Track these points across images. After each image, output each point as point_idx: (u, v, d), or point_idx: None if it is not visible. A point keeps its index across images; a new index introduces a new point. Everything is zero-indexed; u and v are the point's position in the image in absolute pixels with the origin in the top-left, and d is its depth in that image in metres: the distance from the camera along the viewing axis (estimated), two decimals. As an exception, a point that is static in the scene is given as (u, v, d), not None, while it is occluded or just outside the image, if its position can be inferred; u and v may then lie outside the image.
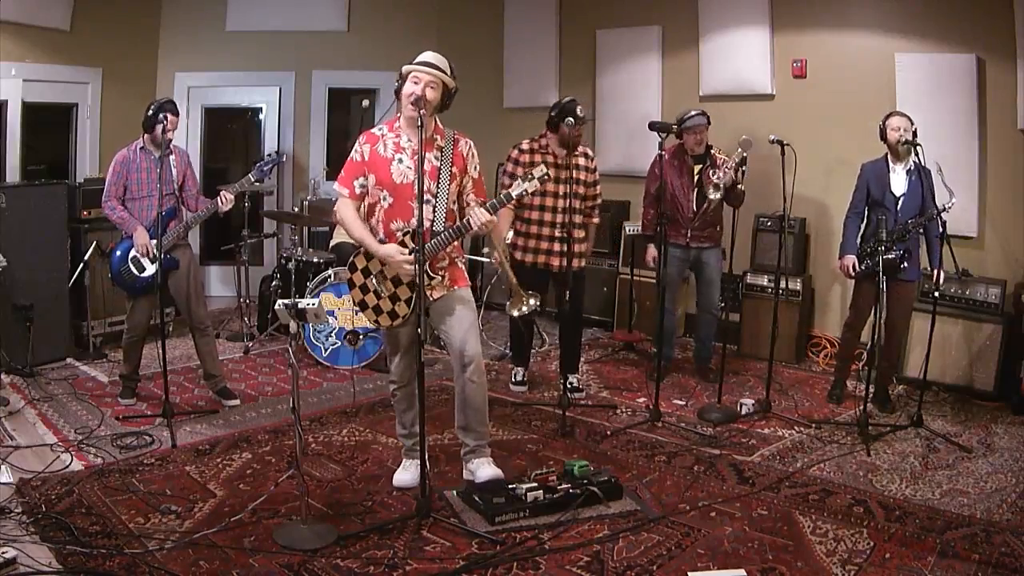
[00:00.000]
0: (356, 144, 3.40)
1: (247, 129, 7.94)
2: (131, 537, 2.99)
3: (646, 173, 5.26)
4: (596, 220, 4.96)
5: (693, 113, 4.99)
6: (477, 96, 7.45)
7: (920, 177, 4.47)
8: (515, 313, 4.39)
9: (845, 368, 4.97)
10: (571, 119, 4.40)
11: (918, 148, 4.27)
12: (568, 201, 4.47)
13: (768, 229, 5.79)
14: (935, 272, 4.46)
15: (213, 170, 7.57)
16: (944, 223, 4.24)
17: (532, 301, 4.33)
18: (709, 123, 5.02)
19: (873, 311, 4.35)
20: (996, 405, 4.81)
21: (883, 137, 4.54)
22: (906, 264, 4.41)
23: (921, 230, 4.48)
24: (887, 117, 4.55)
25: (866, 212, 4.62)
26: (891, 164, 4.54)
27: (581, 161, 4.74)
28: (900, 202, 4.50)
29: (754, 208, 5.78)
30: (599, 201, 4.92)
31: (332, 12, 7.63)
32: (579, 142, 4.70)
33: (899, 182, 4.52)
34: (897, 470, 3.82)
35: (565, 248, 4.57)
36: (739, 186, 4.77)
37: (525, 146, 4.75)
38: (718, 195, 4.63)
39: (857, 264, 4.56)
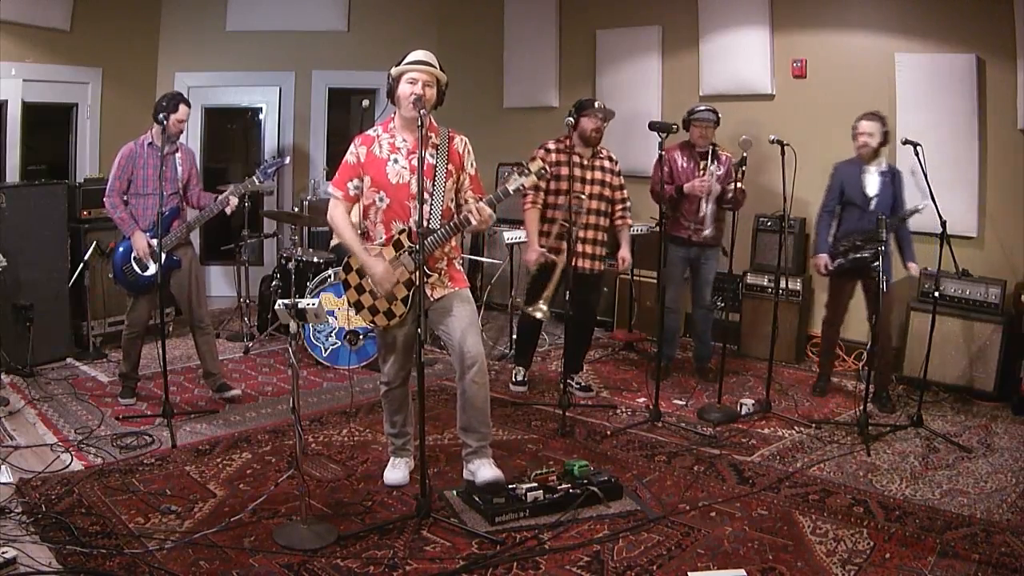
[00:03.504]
0: (351, 146, 3.41)
1: (247, 129, 7.95)
2: (131, 537, 2.98)
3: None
4: (630, 222, 4.92)
5: (703, 108, 5.05)
6: (477, 96, 7.46)
7: (893, 179, 4.59)
8: (538, 313, 4.34)
9: (828, 363, 5.07)
10: (590, 117, 4.55)
11: (918, 148, 4.28)
12: (595, 203, 4.62)
13: (768, 229, 5.80)
14: (910, 265, 4.64)
15: (213, 170, 7.57)
16: (944, 222, 4.26)
17: (544, 309, 4.32)
18: (718, 123, 5.03)
19: (872, 313, 4.47)
20: (996, 405, 4.81)
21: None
22: (878, 263, 4.47)
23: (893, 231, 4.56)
24: (858, 119, 4.63)
25: (839, 211, 4.74)
26: (863, 165, 4.63)
27: (606, 164, 4.75)
28: (873, 203, 4.59)
29: (754, 208, 5.79)
30: (628, 204, 4.89)
31: (332, 12, 7.64)
32: (599, 139, 4.70)
33: (872, 183, 4.62)
34: (897, 470, 3.82)
35: (592, 250, 4.69)
36: (738, 184, 4.78)
37: (551, 146, 4.68)
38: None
39: (830, 262, 4.68)
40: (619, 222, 4.85)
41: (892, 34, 5.45)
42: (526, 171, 3.25)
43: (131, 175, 4.39)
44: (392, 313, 3.37)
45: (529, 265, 4.59)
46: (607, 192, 4.74)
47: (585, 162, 4.66)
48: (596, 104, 4.65)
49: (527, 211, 4.62)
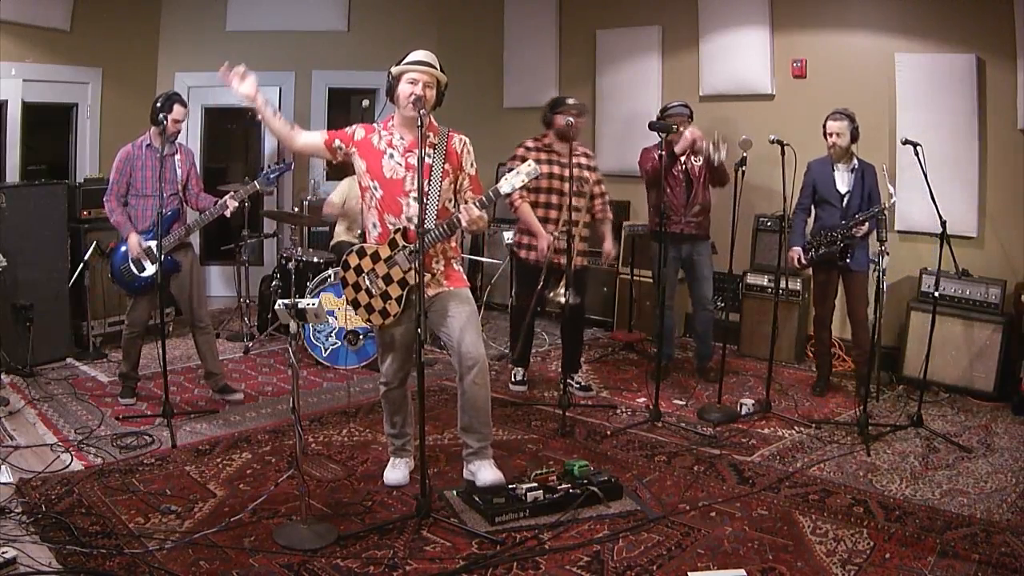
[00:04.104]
0: (353, 125, 3.49)
1: (247, 129, 7.94)
2: (131, 537, 2.98)
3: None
4: (611, 216, 4.97)
5: (676, 104, 5.13)
6: (477, 96, 7.46)
7: (863, 175, 4.69)
8: (561, 299, 4.45)
9: (825, 363, 5.09)
10: (564, 114, 4.58)
11: (918, 148, 4.29)
12: (574, 199, 4.57)
13: (768, 229, 5.80)
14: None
15: (213, 170, 7.57)
16: (944, 222, 4.27)
17: (564, 295, 4.41)
18: (691, 117, 5.09)
19: (851, 310, 4.72)
20: (996, 405, 4.81)
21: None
22: (850, 258, 4.67)
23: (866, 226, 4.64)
24: (826, 118, 4.71)
25: (812, 207, 4.88)
26: (834, 163, 4.72)
27: (583, 160, 4.78)
28: (846, 199, 4.70)
29: (754, 208, 5.79)
30: (607, 198, 4.93)
31: (332, 12, 7.64)
32: (577, 134, 4.72)
33: (843, 180, 4.72)
34: (897, 470, 3.82)
35: (575, 246, 4.65)
36: (720, 154, 4.90)
37: (531, 144, 4.79)
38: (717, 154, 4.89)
39: (803, 256, 4.80)
40: (599, 215, 4.90)
41: (892, 34, 5.45)
42: (517, 172, 3.23)
43: (129, 177, 4.40)
44: (386, 312, 3.38)
45: (543, 254, 4.60)
46: (585, 188, 4.79)
47: (564, 160, 4.71)
48: (569, 100, 4.74)
49: (519, 207, 4.67)
